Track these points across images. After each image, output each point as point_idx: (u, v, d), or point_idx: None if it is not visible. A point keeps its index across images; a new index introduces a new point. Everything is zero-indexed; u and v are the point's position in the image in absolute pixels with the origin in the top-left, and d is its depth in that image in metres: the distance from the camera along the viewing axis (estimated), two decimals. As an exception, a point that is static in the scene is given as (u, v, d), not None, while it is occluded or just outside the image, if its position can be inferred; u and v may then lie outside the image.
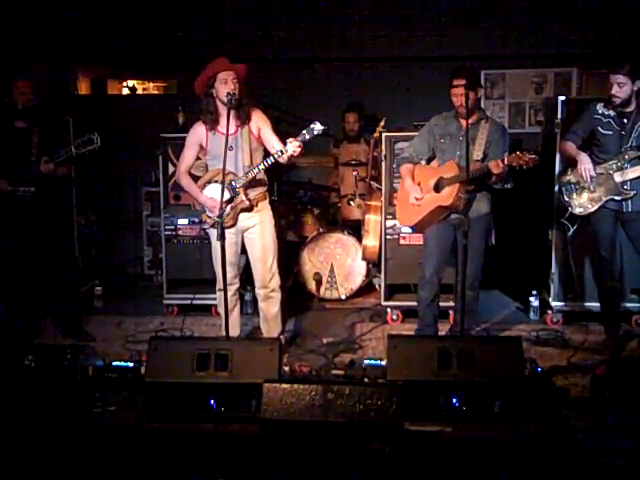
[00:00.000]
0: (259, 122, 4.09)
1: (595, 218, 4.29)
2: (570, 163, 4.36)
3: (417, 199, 4.21)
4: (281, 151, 3.85)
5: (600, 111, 4.21)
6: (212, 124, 4.04)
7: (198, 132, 4.11)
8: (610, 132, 4.16)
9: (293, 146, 3.79)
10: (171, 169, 5.21)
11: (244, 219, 4.12)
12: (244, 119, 4.03)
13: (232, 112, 3.89)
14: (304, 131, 3.81)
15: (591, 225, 4.35)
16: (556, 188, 4.56)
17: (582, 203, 4.29)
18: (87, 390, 3.65)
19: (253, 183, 4.05)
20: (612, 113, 4.16)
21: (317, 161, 6.35)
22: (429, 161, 4.32)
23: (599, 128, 4.19)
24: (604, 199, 4.21)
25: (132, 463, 3.06)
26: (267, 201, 4.21)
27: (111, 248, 6.37)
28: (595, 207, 4.24)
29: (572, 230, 4.55)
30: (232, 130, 3.94)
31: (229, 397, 3.35)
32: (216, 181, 4.05)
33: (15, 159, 4.37)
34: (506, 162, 3.83)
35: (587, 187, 4.24)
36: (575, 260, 4.79)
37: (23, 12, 5.94)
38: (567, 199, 4.36)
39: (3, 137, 4.43)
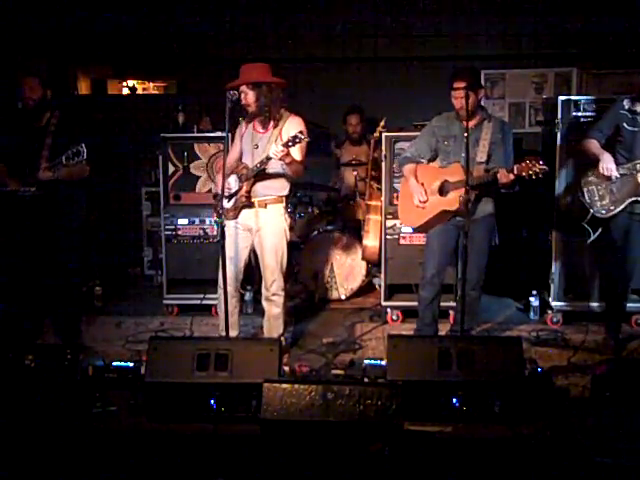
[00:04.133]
0: (290, 130, 4.03)
1: (614, 221, 4.13)
2: (592, 162, 4.16)
3: (421, 202, 4.15)
4: (275, 151, 3.87)
5: (627, 106, 4.03)
6: (249, 118, 4.17)
7: (240, 128, 4.29)
8: (635, 129, 3.98)
9: (274, 149, 3.84)
10: (171, 169, 5.22)
11: (251, 218, 4.18)
12: (269, 122, 4.09)
13: (258, 117, 4.09)
14: (288, 137, 3.86)
15: (610, 227, 4.19)
16: (564, 189, 4.46)
17: (604, 205, 4.10)
18: (87, 390, 3.64)
19: (267, 183, 4.11)
20: (639, 109, 4.00)
21: (317, 161, 6.36)
22: (429, 162, 4.28)
23: (624, 124, 4.02)
24: (627, 201, 4.03)
25: (132, 463, 3.06)
26: (280, 206, 4.20)
27: (111, 248, 6.37)
28: (618, 209, 4.07)
29: (593, 236, 4.29)
30: (263, 129, 4.12)
31: (229, 397, 3.35)
32: (235, 174, 4.21)
33: (25, 160, 4.31)
34: (515, 172, 3.75)
35: (610, 188, 4.08)
36: (580, 259, 4.72)
37: (23, 12, 5.94)
38: (589, 201, 4.17)
39: (18, 138, 4.37)
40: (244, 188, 4.11)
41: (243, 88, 4.03)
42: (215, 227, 5.09)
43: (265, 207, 4.15)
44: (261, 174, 4.06)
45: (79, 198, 4.57)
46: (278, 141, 3.90)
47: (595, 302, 4.69)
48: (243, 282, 4.59)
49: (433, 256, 4.28)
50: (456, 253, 4.39)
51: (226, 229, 4.08)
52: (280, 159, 3.87)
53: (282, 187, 4.19)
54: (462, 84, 3.90)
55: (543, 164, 3.68)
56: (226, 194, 4.09)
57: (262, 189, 4.13)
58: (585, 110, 4.69)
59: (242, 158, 4.25)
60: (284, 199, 4.22)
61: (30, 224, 4.40)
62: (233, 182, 4.20)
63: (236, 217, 4.19)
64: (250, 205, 4.15)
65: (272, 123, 4.10)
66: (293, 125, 4.09)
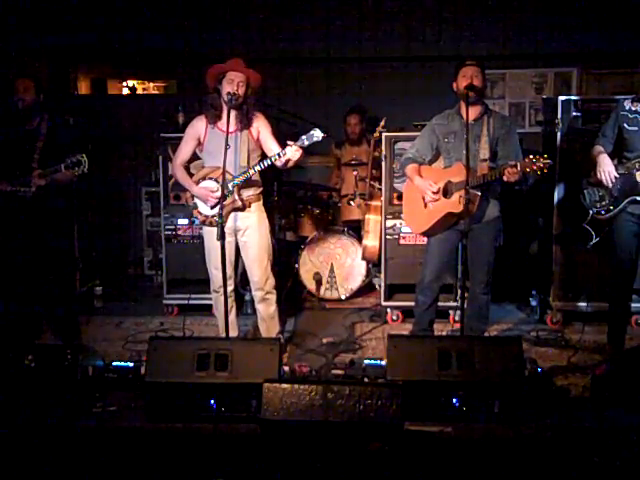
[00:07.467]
0: (260, 126, 4.10)
1: (615, 223, 4.10)
2: (593, 165, 4.10)
3: (434, 193, 4.01)
4: (279, 154, 3.87)
5: (627, 107, 4.01)
6: (213, 119, 4.06)
7: (197, 126, 4.14)
8: (635, 128, 3.95)
9: (292, 150, 3.79)
10: (171, 169, 5.21)
11: (237, 220, 4.12)
12: (245, 122, 4.04)
13: (234, 112, 3.95)
14: (303, 137, 3.80)
15: (611, 230, 4.15)
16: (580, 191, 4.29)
17: (604, 206, 4.07)
18: (87, 390, 3.64)
19: (247, 184, 4.06)
20: (639, 109, 3.98)
21: (317, 161, 6.37)
22: (431, 162, 4.21)
23: (625, 125, 3.99)
24: (625, 201, 4.00)
25: (132, 463, 3.06)
26: (260, 203, 4.21)
27: (111, 248, 6.37)
28: (616, 210, 4.03)
29: (595, 239, 4.22)
30: (232, 129, 3.95)
31: (229, 397, 3.35)
32: (210, 178, 4.10)
33: (16, 163, 4.31)
34: (519, 168, 3.68)
35: (609, 189, 4.03)
36: (580, 259, 4.69)
37: (23, 12, 5.94)
38: (588, 202, 4.14)
39: (8, 139, 4.36)
40: (234, 193, 3.99)
41: (240, 79, 3.96)
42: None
43: (250, 206, 4.13)
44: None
45: (67, 199, 4.62)
46: (291, 144, 3.80)
47: (595, 302, 4.68)
48: (243, 282, 4.60)
49: (433, 261, 4.21)
50: (456, 257, 4.35)
51: (210, 235, 4.08)
52: (294, 157, 3.83)
53: (259, 184, 4.18)
54: (474, 62, 3.96)
55: (547, 157, 3.63)
56: (213, 201, 4.05)
57: (244, 189, 4.09)
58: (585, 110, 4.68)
59: (207, 160, 4.14)
60: (262, 196, 4.22)
61: (29, 223, 4.39)
62: (215, 187, 4.06)
63: (226, 222, 4.05)
64: (243, 207, 4.08)
65: (240, 123, 4.02)
66: (262, 120, 4.11)
